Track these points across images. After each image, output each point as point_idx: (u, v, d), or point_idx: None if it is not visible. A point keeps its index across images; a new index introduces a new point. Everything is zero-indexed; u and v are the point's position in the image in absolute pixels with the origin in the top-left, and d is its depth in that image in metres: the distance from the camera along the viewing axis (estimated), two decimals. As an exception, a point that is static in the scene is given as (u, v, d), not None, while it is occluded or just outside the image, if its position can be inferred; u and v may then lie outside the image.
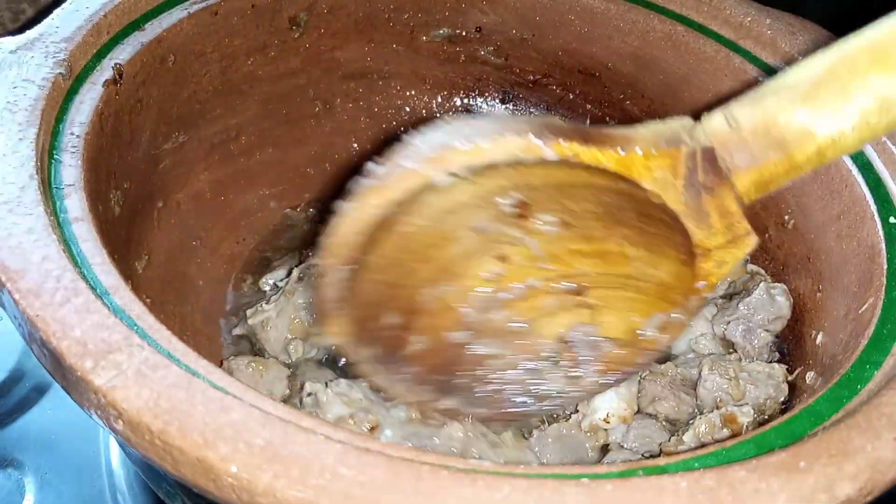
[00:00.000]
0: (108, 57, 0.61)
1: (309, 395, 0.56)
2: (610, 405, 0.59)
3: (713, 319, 0.62)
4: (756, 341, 0.60)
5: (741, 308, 0.60)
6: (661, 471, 0.37)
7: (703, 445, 0.46)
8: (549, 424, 0.60)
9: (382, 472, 0.35)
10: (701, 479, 0.36)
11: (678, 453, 0.40)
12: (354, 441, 0.37)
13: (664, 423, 0.60)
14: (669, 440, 0.59)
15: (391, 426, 0.54)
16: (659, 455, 0.58)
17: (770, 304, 0.60)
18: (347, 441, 0.36)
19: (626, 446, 0.60)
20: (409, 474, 0.35)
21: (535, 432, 0.60)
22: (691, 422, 0.58)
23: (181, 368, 0.38)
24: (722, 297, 0.65)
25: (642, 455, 0.60)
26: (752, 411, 0.56)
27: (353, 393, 0.55)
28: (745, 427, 0.55)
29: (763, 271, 0.68)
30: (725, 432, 0.56)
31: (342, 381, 0.57)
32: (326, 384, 0.56)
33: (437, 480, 0.35)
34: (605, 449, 0.61)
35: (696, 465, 0.38)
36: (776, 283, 0.64)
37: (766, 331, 0.60)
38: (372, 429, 0.53)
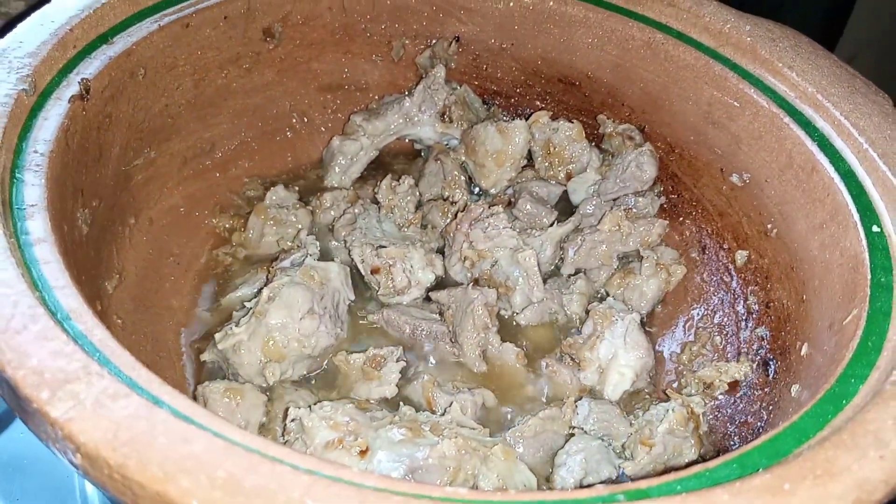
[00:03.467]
0: (74, 71, 0.60)
1: (293, 420, 0.54)
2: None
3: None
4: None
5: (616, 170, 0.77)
6: (643, 495, 0.36)
7: (689, 464, 0.45)
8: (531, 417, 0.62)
9: (352, 504, 0.33)
10: (683, 504, 0.35)
11: (660, 475, 0.38)
12: (324, 470, 0.35)
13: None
14: (632, 425, 0.62)
15: (383, 447, 0.52)
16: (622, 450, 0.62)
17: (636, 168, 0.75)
18: (316, 470, 0.35)
19: (586, 430, 0.62)
20: (380, 506, 0.33)
21: (515, 430, 0.61)
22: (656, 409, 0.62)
23: (143, 397, 0.37)
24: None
25: (601, 438, 0.61)
26: (702, 402, 0.62)
27: (339, 416, 0.53)
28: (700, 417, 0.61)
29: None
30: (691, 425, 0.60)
31: (326, 403, 0.55)
32: (310, 408, 0.54)
33: (410, 511, 0.33)
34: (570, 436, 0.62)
35: (679, 487, 0.37)
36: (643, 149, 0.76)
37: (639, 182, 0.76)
38: (362, 452, 0.51)
